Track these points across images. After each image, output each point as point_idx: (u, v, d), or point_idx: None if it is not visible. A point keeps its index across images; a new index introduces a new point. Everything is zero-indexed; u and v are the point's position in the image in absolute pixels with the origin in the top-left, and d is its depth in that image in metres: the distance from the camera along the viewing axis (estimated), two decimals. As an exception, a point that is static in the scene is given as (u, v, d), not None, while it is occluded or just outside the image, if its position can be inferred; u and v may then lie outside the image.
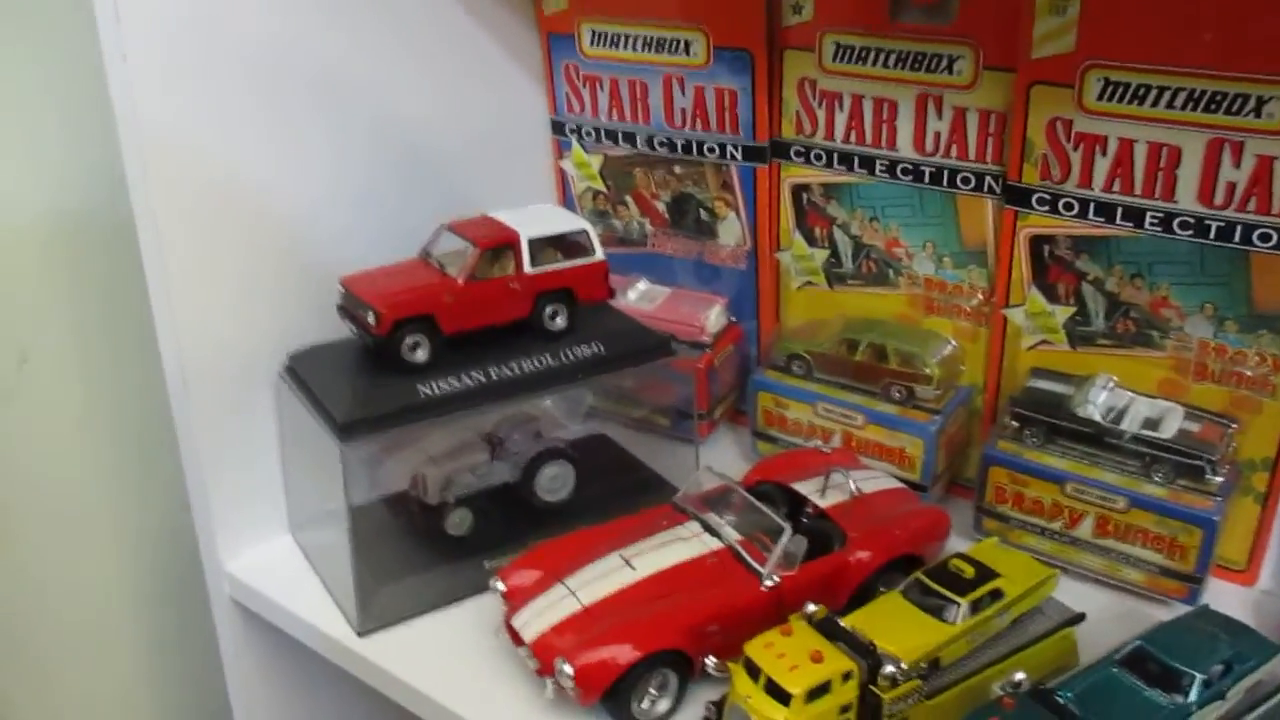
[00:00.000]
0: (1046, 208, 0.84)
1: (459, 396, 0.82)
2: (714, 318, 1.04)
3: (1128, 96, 0.77)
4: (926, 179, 0.90)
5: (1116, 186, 0.80)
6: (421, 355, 0.82)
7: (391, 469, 0.92)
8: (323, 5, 0.87)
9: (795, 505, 0.84)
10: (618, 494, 0.96)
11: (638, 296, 1.07)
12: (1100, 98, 0.78)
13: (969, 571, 0.74)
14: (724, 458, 1.04)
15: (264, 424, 0.90)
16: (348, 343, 0.87)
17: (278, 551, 0.93)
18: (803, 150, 0.96)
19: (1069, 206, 0.83)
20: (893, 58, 0.88)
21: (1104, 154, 0.80)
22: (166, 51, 0.78)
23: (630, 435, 1.07)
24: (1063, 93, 0.80)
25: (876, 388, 0.94)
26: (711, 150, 1.00)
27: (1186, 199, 0.78)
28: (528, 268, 0.85)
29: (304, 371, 0.85)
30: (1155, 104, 0.76)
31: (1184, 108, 0.75)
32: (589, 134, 1.06)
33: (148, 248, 0.81)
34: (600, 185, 1.08)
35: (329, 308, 0.87)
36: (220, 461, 0.88)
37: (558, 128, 1.08)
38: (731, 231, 1.03)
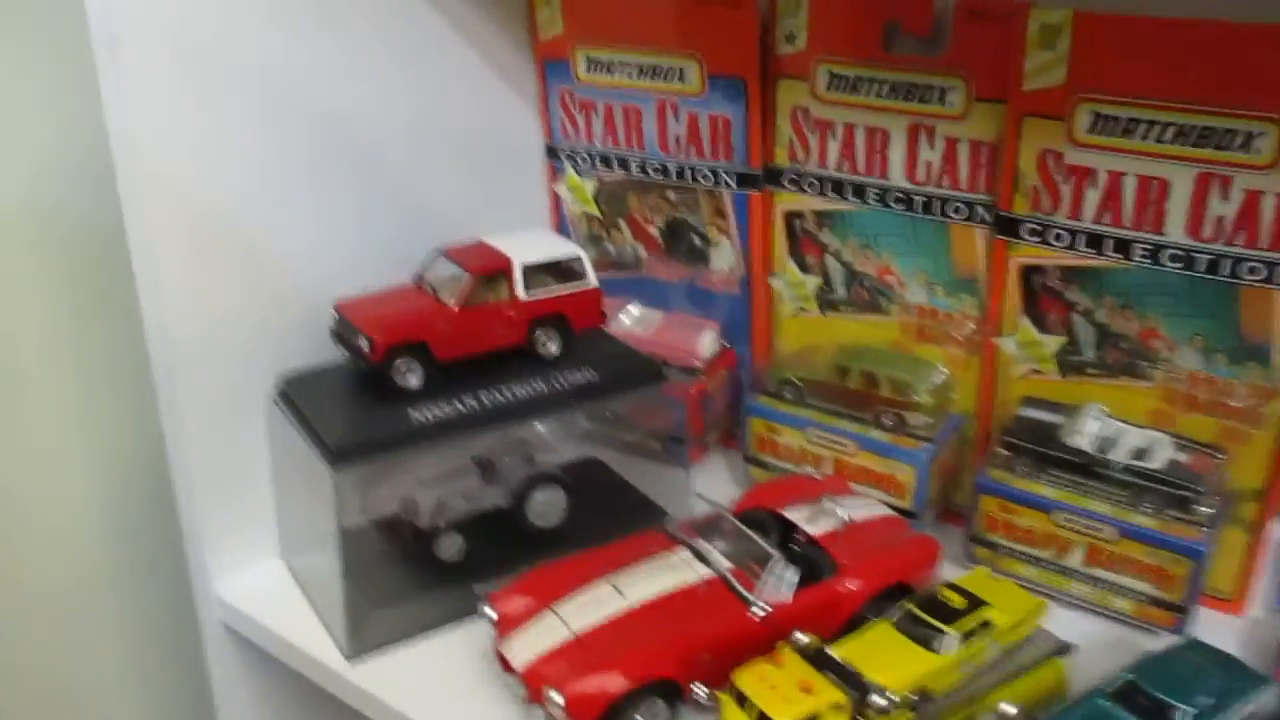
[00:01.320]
0: (1037, 238, 0.85)
1: (451, 423, 0.82)
2: (707, 343, 1.04)
3: (1118, 130, 0.78)
4: (919, 208, 0.91)
5: (1106, 218, 0.81)
6: (414, 381, 0.82)
7: (382, 493, 0.92)
8: (321, 30, 0.88)
9: (786, 533, 0.84)
10: (610, 519, 0.96)
11: (631, 321, 1.07)
12: (1090, 130, 0.79)
13: (959, 601, 0.74)
14: (716, 483, 1.04)
15: (256, 448, 0.90)
16: (340, 367, 0.87)
17: (268, 575, 0.93)
18: (796, 178, 0.97)
19: (1059, 237, 0.84)
20: (886, 87, 0.89)
21: (1094, 186, 0.81)
22: (161, 75, 0.78)
23: (622, 459, 1.07)
24: (1053, 125, 0.80)
25: (868, 415, 0.94)
26: (705, 176, 1.00)
27: (1175, 231, 0.78)
28: (521, 294, 0.85)
29: (296, 396, 0.85)
30: (1145, 137, 0.77)
31: (1173, 141, 0.76)
32: (584, 159, 1.07)
33: (142, 273, 0.82)
34: (595, 210, 1.09)
35: (322, 332, 0.87)
36: (211, 485, 0.88)
37: (552, 153, 1.09)
38: (725, 257, 1.03)
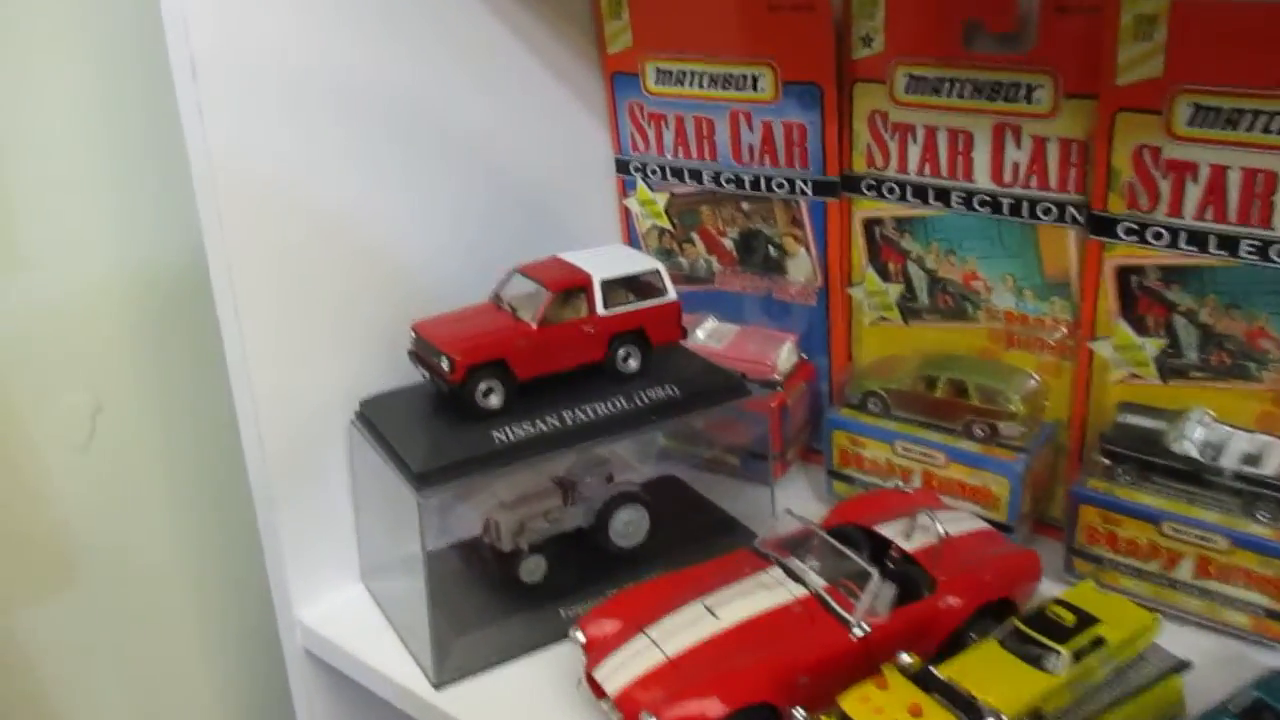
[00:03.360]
0: (1134, 237, 0.81)
1: (533, 443, 0.81)
2: (785, 355, 1.02)
3: (1220, 121, 0.75)
4: (1005, 210, 0.88)
5: (1209, 214, 0.78)
6: (495, 401, 0.81)
7: (463, 515, 0.91)
8: (404, 47, 0.87)
9: (879, 549, 0.82)
10: (692, 538, 0.94)
11: (706, 335, 1.06)
12: (1191, 123, 0.76)
13: (1069, 618, 0.71)
14: (798, 499, 1.02)
15: (336, 471, 0.90)
16: (419, 388, 0.86)
17: (350, 600, 0.92)
18: (874, 184, 0.94)
19: (1158, 236, 0.80)
20: (968, 88, 0.86)
21: (1195, 181, 0.77)
22: (240, 91, 0.78)
23: (700, 476, 1.05)
24: (1150, 119, 0.77)
25: (957, 425, 0.91)
26: (780, 185, 0.98)
27: (1285, 225, 0.75)
28: (600, 310, 0.83)
29: (376, 419, 0.84)
30: (1250, 128, 0.74)
31: (1281, 132, 0.73)
32: (654, 172, 1.05)
33: (221, 295, 0.81)
34: (666, 223, 1.07)
35: (400, 353, 0.86)
36: (293, 509, 0.88)
37: (622, 166, 1.07)
38: (801, 268, 1.01)
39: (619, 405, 0.84)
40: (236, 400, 0.84)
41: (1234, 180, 0.76)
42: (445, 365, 0.79)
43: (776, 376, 1.01)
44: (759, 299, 1.05)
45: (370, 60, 0.86)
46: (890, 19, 0.88)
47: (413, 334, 0.84)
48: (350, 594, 0.92)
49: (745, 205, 1.02)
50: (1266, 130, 0.73)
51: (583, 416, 0.83)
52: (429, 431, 0.81)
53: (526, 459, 0.80)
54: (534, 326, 0.81)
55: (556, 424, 0.82)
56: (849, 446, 0.96)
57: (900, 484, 0.92)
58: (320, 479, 0.89)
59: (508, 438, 0.80)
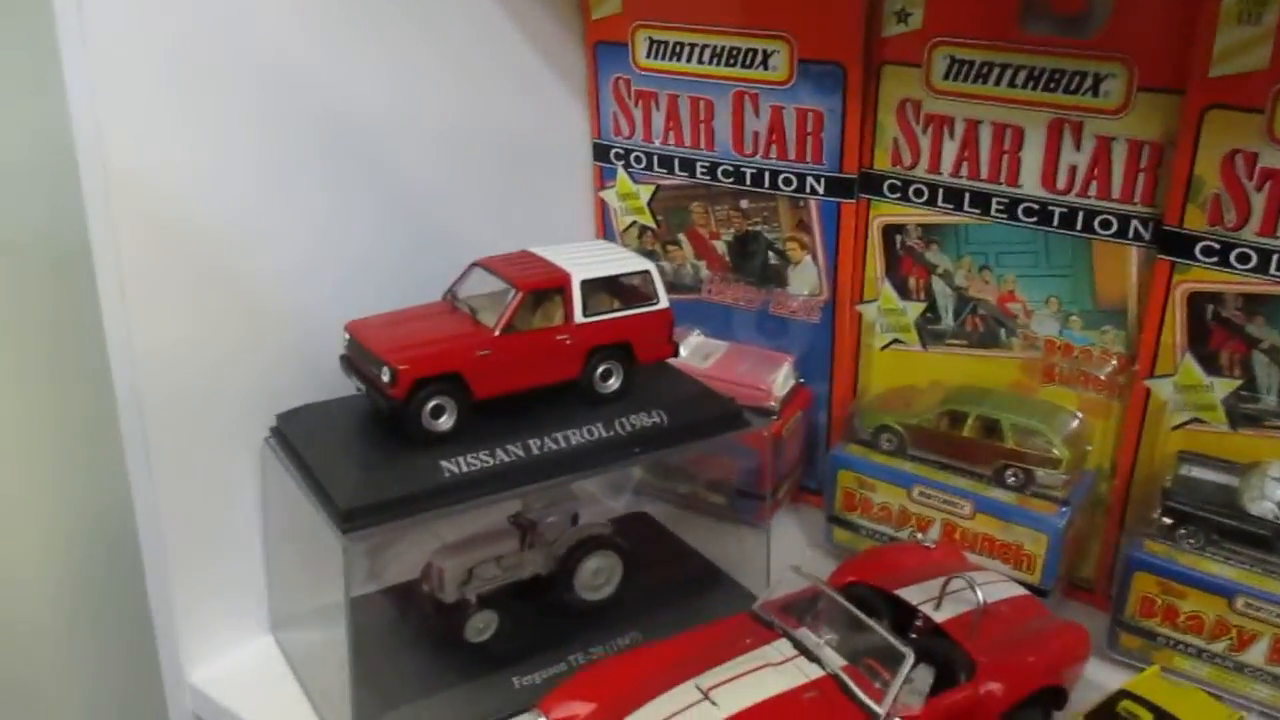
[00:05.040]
0: (1215, 259, 0.69)
1: (490, 477, 0.66)
2: (781, 379, 0.88)
3: (1336, 124, 0.63)
4: (1055, 221, 0.75)
5: (1312, 235, 0.66)
6: (446, 423, 0.66)
7: (401, 553, 0.76)
8: (327, 13, 0.72)
9: (902, 617, 0.68)
10: (671, 591, 0.81)
11: (690, 352, 0.91)
12: (1301, 125, 0.64)
13: (1145, 716, 0.58)
14: (791, 547, 0.88)
15: (244, 499, 0.74)
16: (351, 402, 0.71)
17: (256, 656, 0.76)
18: (899, 184, 0.81)
19: (1244, 258, 0.68)
20: (1021, 75, 0.73)
21: (1298, 195, 0.65)
22: (140, 72, 0.62)
23: (675, 514, 0.91)
24: (1248, 119, 0.65)
25: (987, 470, 0.78)
26: (788, 182, 0.85)
27: (1406, 252, 0.63)
28: (579, 316, 0.69)
29: (296, 438, 0.69)
30: (1375, 134, 0.62)
31: None
32: (638, 160, 0.91)
33: (108, 296, 0.65)
34: (649, 220, 0.93)
35: (330, 358, 0.70)
36: (188, 545, 0.72)
37: (601, 152, 0.93)
38: (806, 279, 0.87)
39: (596, 433, 0.70)
40: (120, 412, 0.68)
41: (1348, 196, 0.64)
42: (386, 377, 0.64)
43: (771, 404, 0.87)
44: (753, 313, 0.91)
45: (301, 26, 0.71)
46: (932, -9, 0.75)
47: (346, 336, 0.68)
48: (256, 649, 0.76)
49: (744, 203, 0.88)
50: (1395, 136, 0.61)
51: (552, 446, 0.68)
52: (361, 457, 0.65)
53: (481, 497, 0.65)
54: (497, 334, 0.66)
55: (519, 454, 0.67)
56: (856, 489, 0.83)
57: (919, 536, 0.79)
58: (223, 508, 0.73)
59: (459, 469, 0.65)
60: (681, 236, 0.92)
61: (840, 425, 0.89)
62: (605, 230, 0.95)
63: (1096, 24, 0.70)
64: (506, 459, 0.67)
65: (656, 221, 0.92)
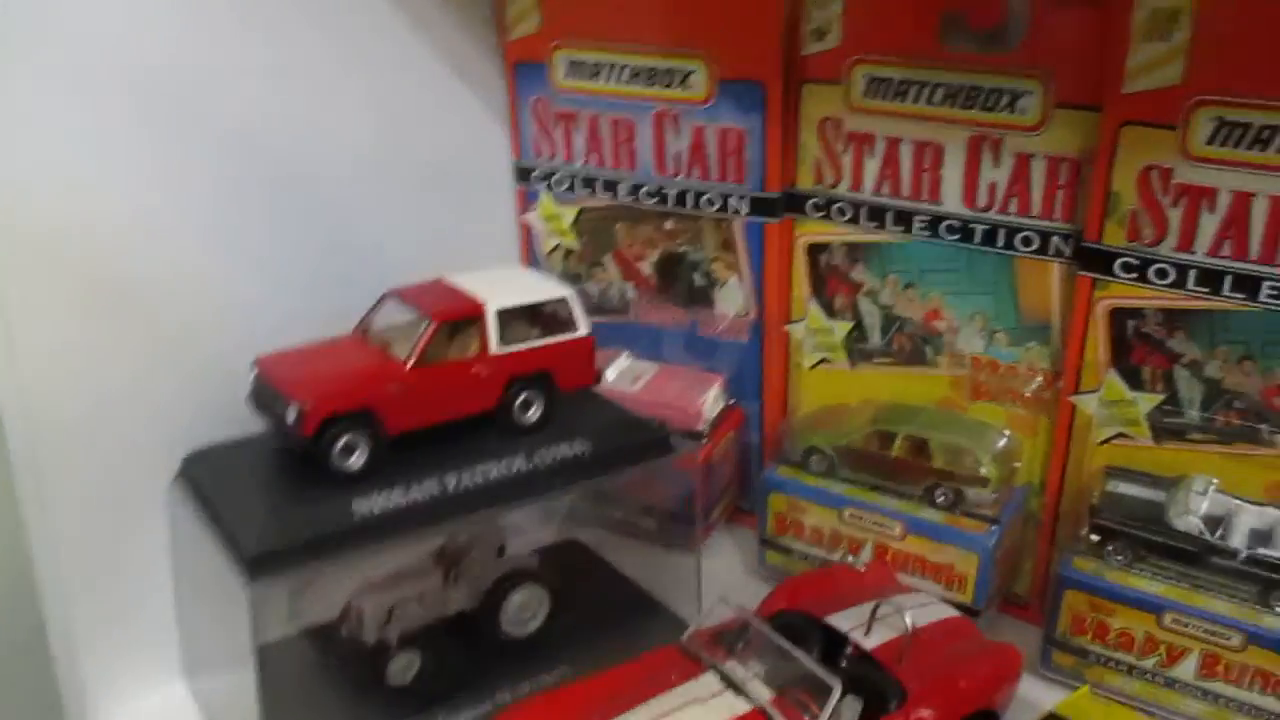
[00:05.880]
0: (1134, 275, 0.69)
1: (406, 515, 0.64)
2: (711, 401, 0.87)
3: (1248, 140, 0.63)
4: (978, 239, 0.75)
5: (1226, 250, 0.66)
6: (358, 461, 0.63)
7: (316, 599, 0.73)
8: (237, 23, 0.70)
9: (832, 645, 0.67)
10: (603, 622, 0.79)
11: (618, 375, 0.90)
12: (1211, 142, 0.64)
13: (1074, 742, 0.57)
14: (726, 571, 0.87)
15: (152, 541, 0.71)
16: (263, 440, 0.68)
17: (166, 704, 0.73)
18: (823, 203, 0.80)
19: (1163, 274, 0.68)
20: (940, 92, 0.73)
21: (1212, 211, 0.65)
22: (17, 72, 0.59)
23: (610, 539, 0.90)
24: (1162, 135, 0.65)
25: (917, 490, 0.77)
26: (711, 202, 0.83)
27: (1320, 266, 0.63)
28: (495, 347, 0.67)
29: (204, 479, 0.66)
30: (1285, 149, 0.62)
31: (1321, 153, 0.61)
32: (561, 182, 0.89)
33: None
34: (573, 242, 0.91)
35: (239, 393, 0.68)
36: (91, 590, 0.69)
37: (523, 174, 0.91)
38: (732, 299, 0.86)
39: (516, 466, 0.68)
40: (11, 448, 0.64)
41: (1260, 211, 0.64)
42: (292, 415, 0.61)
43: (701, 426, 0.86)
44: (682, 333, 0.90)
45: (209, 38, 0.68)
46: (850, 8, 0.74)
47: (254, 372, 0.66)
48: (166, 697, 0.73)
49: (668, 224, 0.86)
50: (1304, 152, 0.61)
51: (470, 480, 0.66)
52: (270, 499, 0.63)
53: (395, 537, 0.63)
54: (409, 367, 0.64)
55: (435, 490, 0.65)
56: (787, 511, 0.81)
57: (851, 559, 0.78)
58: (130, 551, 0.70)
59: (372, 509, 0.63)
60: (607, 258, 0.91)
61: (773, 445, 0.88)
62: (530, 253, 0.94)
63: (1014, 40, 0.70)
64: (422, 496, 0.64)
65: (581, 243, 0.91)
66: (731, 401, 0.89)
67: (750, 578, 0.86)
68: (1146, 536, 0.69)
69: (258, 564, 0.59)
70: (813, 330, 0.84)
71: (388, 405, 0.63)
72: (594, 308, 0.93)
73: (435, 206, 0.87)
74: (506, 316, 0.67)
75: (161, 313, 0.70)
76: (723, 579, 0.84)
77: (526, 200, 0.92)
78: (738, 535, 0.91)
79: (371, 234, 0.82)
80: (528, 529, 0.86)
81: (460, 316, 0.66)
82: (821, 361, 0.85)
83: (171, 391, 0.70)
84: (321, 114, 0.77)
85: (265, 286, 0.75)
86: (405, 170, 0.83)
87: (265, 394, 0.65)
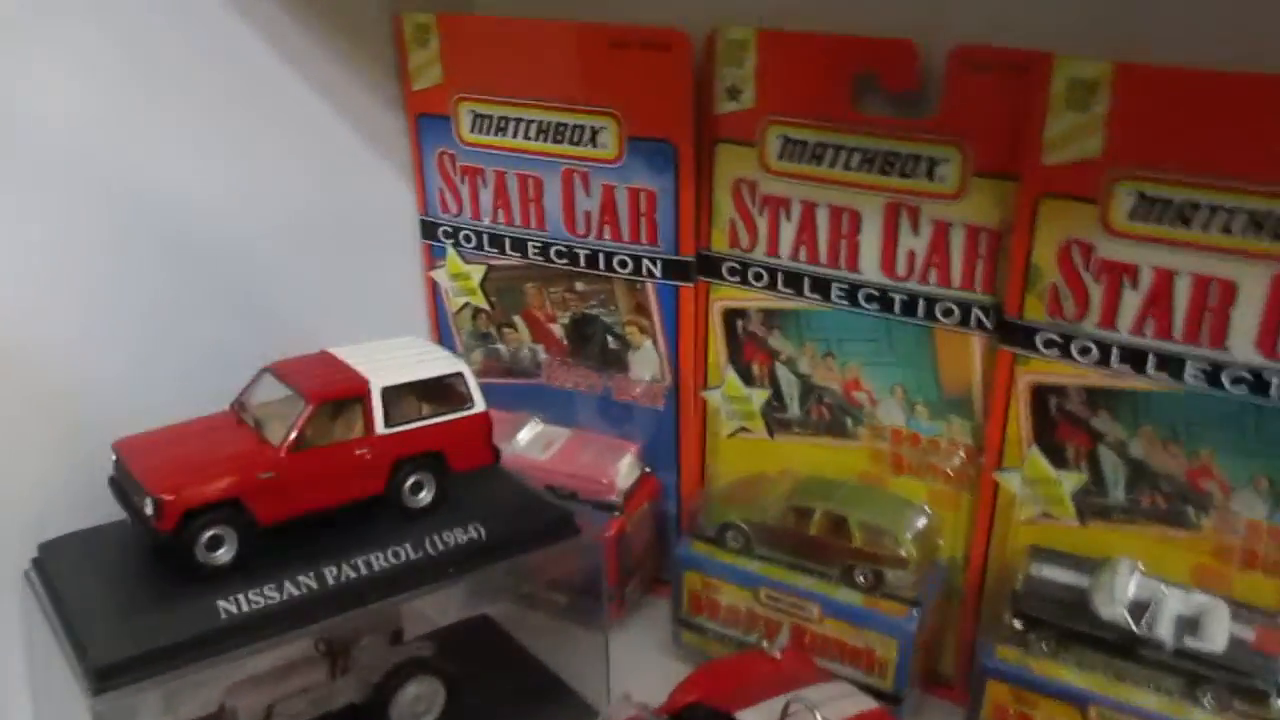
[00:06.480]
0: (1056, 351, 0.66)
1: (279, 614, 0.59)
2: (625, 470, 0.83)
3: (1170, 216, 0.60)
4: (897, 308, 0.72)
5: (1149, 329, 0.63)
6: (225, 555, 0.58)
7: (184, 701, 0.68)
8: (118, 75, 0.65)
9: (742, 744, 0.63)
10: (503, 709, 0.74)
11: (529, 441, 0.85)
12: (1133, 217, 0.61)
13: None
14: (641, 650, 0.82)
15: (5, 637, 0.65)
16: (124, 527, 0.62)
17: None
18: (738, 267, 0.77)
19: (1085, 351, 0.65)
20: (856, 157, 0.70)
21: (1134, 287, 0.63)
22: None
23: (520, 615, 0.85)
24: (1083, 209, 0.62)
25: (836, 569, 0.74)
26: (623, 264, 0.80)
27: (1243, 346, 0.61)
28: (380, 427, 0.62)
29: (56, 573, 0.61)
30: (1207, 227, 0.59)
31: (1245, 230, 0.58)
32: (468, 239, 0.85)
33: None
34: (482, 301, 0.87)
35: (103, 476, 0.62)
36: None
37: (429, 230, 0.87)
38: (647, 363, 0.82)
39: (404, 554, 0.63)
40: None
41: (1183, 288, 0.61)
42: (150, 509, 0.56)
43: (615, 497, 0.82)
44: (595, 398, 0.86)
45: (85, 89, 0.64)
46: (762, 68, 0.71)
47: (113, 457, 0.60)
48: (24, 808, 0.67)
49: (579, 285, 0.82)
50: (1226, 230, 0.59)
51: (352, 573, 0.61)
52: (126, 599, 0.58)
53: (265, 639, 0.58)
54: (283, 452, 0.59)
55: (312, 585, 0.60)
56: (702, 590, 0.77)
57: (765, 644, 0.74)
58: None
59: (239, 608, 0.57)
60: (517, 319, 0.86)
61: (690, 517, 0.84)
62: (437, 312, 0.89)
63: (931, 105, 0.67)
64: (298, 592, 0.59)
65: (490, 303, 0.86)
66: (647, 470, 0.85)
67: (665, 657, 0.82)
68: (1069, 626, 0.66)
69: (104, 675, 0.53)
70: (730, 398, 0.81)
71: (259, 494, 0.58)
72: (504, 369, 0.88)
73: (341, 263, 0.83)
74: (393, 394, 0.63)
75: (28, 380, 0.64)
76: (637, 658, 0.80)
77: (432, 257, 0.87)
78: (655, 610, 0.87)
79: (275, 295, 0.78)
80: (427, 608, 0.81)
81: (342, 396, 0.61)
82: (740, 430, 0.81)
83: (30, 467, 0.65)
84: (215, 169, 0.72)
85: (144, 355, 0.70)
86: (303, 226, 0.79)
87: (124, 481, 0.59)
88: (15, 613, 0.64)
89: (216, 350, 0.72)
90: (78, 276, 0.66)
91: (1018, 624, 0.68)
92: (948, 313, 0.70)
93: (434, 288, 0.88)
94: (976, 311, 0.69)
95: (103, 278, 0.68)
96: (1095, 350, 0.65)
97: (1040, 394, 0.68)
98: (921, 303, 0.71)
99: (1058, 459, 0.69)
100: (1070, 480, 0.69)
